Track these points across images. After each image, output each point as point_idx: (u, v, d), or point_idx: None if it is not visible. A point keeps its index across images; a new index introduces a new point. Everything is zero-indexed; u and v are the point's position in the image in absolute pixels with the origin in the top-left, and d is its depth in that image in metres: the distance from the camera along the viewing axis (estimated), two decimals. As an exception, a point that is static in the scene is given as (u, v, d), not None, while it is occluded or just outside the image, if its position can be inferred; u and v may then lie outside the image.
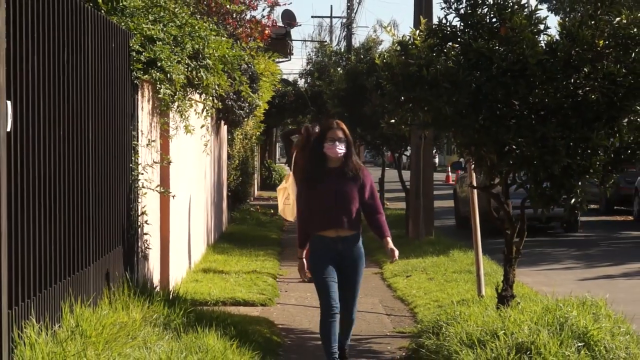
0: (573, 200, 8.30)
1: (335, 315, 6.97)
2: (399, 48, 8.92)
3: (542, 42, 8.25)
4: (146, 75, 8.69)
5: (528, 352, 6.94)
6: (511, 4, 8.38)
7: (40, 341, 5.03)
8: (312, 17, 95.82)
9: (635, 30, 8.07)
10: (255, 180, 30.13)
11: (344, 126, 7.24)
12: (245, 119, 18.14)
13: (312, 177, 7.28)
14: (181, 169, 11.14)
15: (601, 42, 8.06)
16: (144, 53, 8.58)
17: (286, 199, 12.33)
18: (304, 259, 7.33)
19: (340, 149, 7.06)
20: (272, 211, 21.82)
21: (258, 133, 25.44)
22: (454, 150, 18.72)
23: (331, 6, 73.99)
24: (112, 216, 7.48)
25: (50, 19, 5.60)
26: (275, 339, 8.76)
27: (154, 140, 9.38)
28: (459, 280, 11.69)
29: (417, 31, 9.14)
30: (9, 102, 4.78)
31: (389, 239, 7.33)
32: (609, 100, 7.97)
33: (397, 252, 7.30)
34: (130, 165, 8.28)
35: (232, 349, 6.89)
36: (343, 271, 7.13)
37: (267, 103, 22.40)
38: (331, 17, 58.26)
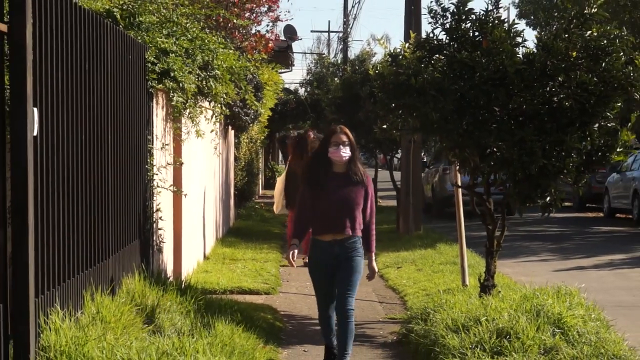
0: (548, 198, 8.32)
1: (330, 324, 6.76)
2: (390, 59, 8.94)
3: (520, 53, 8.26)
4: (160, 85, 8.70)
5: (508, 337, 6.95)
6: (492, 19, 8.40)
7: (64, 326, 5.04)
8: (312, 31, 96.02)
9: (605, 42, 8.08)
10: (260, 180, 30.11)
11: (347, 131, 6.73)
12: (251, 125, 18.14)
13: (316, 181, 6.67)
14: (192, 170, 11.15)
15: (574, 53, 8.07)
16: (158, 64, 8.59)
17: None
18: (294, 245, 6.79)
19: (345, 152, 6.58)
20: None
21: (262, 137, 25.44)
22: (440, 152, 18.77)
23: (329, 21, 74.07)
24: (130, 212, 7.49)
25: (73, 33, 5.61)
26: (277, 324, 8.77)
27: (167, 144, 9.39)
28: (445, 271, 11.71)
29: (407, 44, 9.16)
30: (35, 109, 4.79)
31: (374, 256, 6.97)
32: (581, 106, 7.98)
33: (376, 272, 7.11)
34: (146, 166, 8.29)
35: (238, 333, 6.90)
36: (339, 272, 6.61)
37: (270, 110, 22.40)
38: (329, 31, 58.21)
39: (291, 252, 6.76)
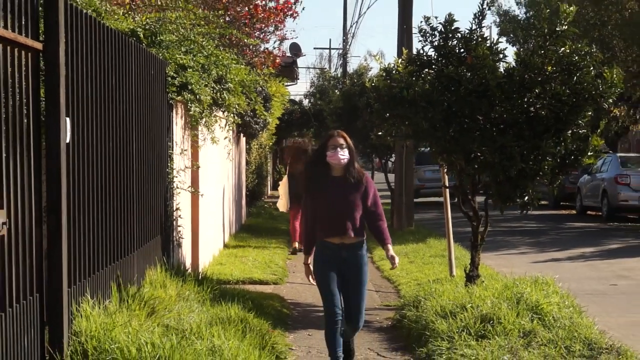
0: (526, 197, 8.32)
1: (338, 322, 5.92)
2: (384, 74, 8.93)
3: (501, 68, 8.26)
4: (179, 97, 8.70)
5: (491, 322, 6.95)
6: (476, 37, 8.40)
7: (94, 314, 5.04)
8: (314, 48, 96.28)
9: (576, 57, 8.08)
10: (268, 182, 30.12)
11: (345, 135, 6.04)
12: (260, 132, 18.15)
13: (315, 185, 6.01)
14: (208, 173, 11.15)
15: (549, 67, 8.07)
16: (177, 78, 8.60)
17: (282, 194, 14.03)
18: (310, 265, 6.11)
19: (343, 155, 5.88)
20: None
21: (271, 143, 25.45)
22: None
23: (330, 40, 74.20)
24: (152, 211, 7.50)
25: (101, 50, 5.62)
26: (285, 311, 8.76)
27: (186, 149, 9.39)
28: (434, 263, 11.70)
29: (400, 60, 9.15)
30: (68, 119, 4.80)
31: (390, 246, 6.14)
32: (555, 115, 7.98)
33: (397, 259, 6.14)
34: (167, 169, 8.29)
35: (250, 319, 6.89)
36: (347, 279, 5.98)
37: (277, 119, 22.40)
38: (330, 48, 58.34)
39: (306, 272, 6.17)
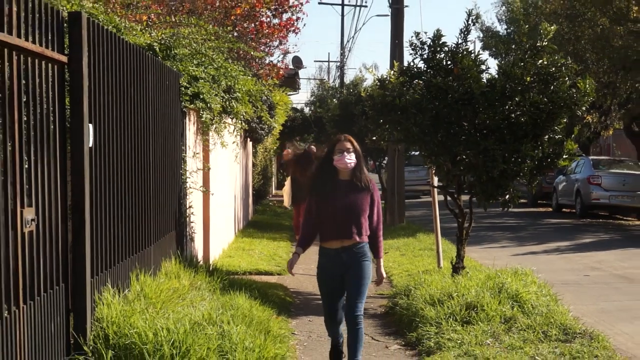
0: (507, 196, 8.34)
1: (338, 324, 5.61)
2: (378, 84, 8.96)
3: (484, 78, 8.29)
4: (192, 105, 8.71)
5: (475, 309, 6.96)
6: (461, 50, 8.42)
7: (114, 302, 5.05)
8: (315, 61, 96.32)
9: (553, 69, 8.10)
10: (273, 182, 30.11)
11: (352, 139, 5.51)
12: (265, 137, 18.16)
13: (322, 188, 5.46)
14: (218, 174, 11.15)
15: (528, 78, 8.09)
16: (190, 88, 8.61)
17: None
18: (297, 254, 5.57)
19: (350, 159, 5.36)
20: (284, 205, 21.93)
21: (275, 147, 25.44)
22: (419, 159, 18.90)
23: (329, 53, 74.33)
24: (167, 209, 7.50)
25: (121, 63, 5.62)
26: (288, 299, 8.76)
27: (198, 153, 9.40)
28: (424, 256, 11.71)
29: (392, 71, 9.17)
30: (90, 125, 4.80)
31: (382, 261, 5.72)
32: (534, 122, 7.99)
33: (384, 277, 5.82)
34: (181, 171, 8.30)
35: (256, 306, 6.90)
36: (347, 278, 5.45)
37: (281, 125, 22.41)
38: (329, 61, 58.63)
39: (290, 261, 5.61)
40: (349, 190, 5.39)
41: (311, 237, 5.56)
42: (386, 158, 19.38)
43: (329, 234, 5.40)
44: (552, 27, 8.39)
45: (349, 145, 5.42)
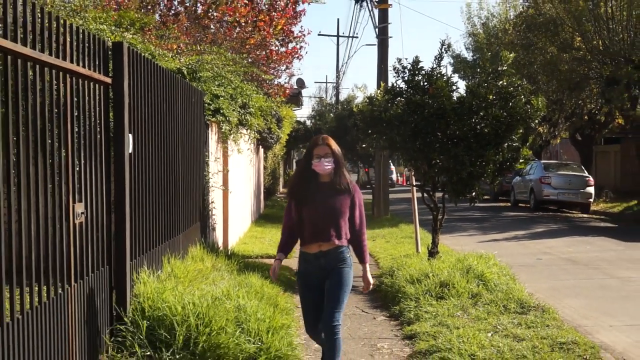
0: (474, 193, 8.33)
1: (319, 335, 4.30)
2: (367, 101, 8.96)
3: (454, 97, 8.28)
4: (214, 118, 8.72)
5: (447, 287, 6.96)
6: (436, 73, 8.41)
7: (150, 281, 5.04)
8: (315, 82, 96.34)
9: (511, 89, 8.11)
10: (280, 182, 30.11)
11: (330, 141, 4.38)
12: (274, 145, 18.18)
13: (302, 193, 4.34)
14: (235, 175, 11.15)
15: (491, 96, 8.09)
16: (212, 105, 8.62)
17: None
18: (280, 260, 4.46)
19: (327, 164, 4.28)
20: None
21: (282, 153, 25.44)
22: (401, 163, 18.99)
23: (326, 75, 74.55)
24: (193, 204, 7.50)
25: (154, 83, 5.62)
26: (293, 279, 8.73)
27: (218, 157, 9.40)
28: (405, 243, 11.71)
29: (379, 90, 9.18)
30: (130, 135, 4.79)
31: (367, 266, 4.45)
32: (495, 132, 7.99)
33: (371, 282, 4.47)
34: (204, 172, 8.30)
35: (266, 285, 6.89)
36: (328, 282, 4.27)
37: (287, 135, 22.41)
38: (326, 82, 58.72)
39: (272, 268, 4.50)
40: (329, 193, 4.31)
41: (292, 241, 4.47)
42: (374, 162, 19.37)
43: (308, 238, 4.29)
44: (511, 55, 8.44)
45: (326, 149, 4.32)
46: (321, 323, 4.21)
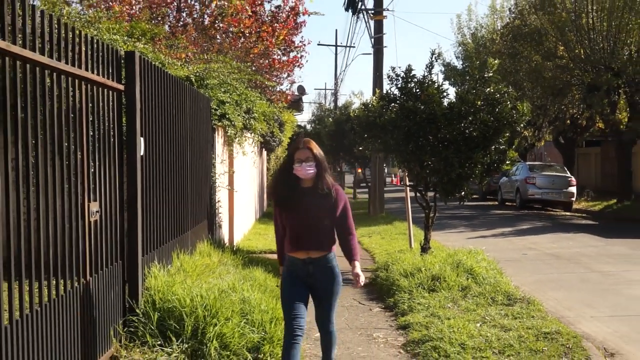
0: (463, 193, 8.34)
1: (297, 338, 3.72)
2: (363, 107, 8.98)
3: (445, 102, 8.29)
4: (220, 123, 8.71)
5: (438, 280, 6.96)
6: (427, 81, 8.42)
7: (160, 275, 5.04)
8: (315, 89, 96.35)
9: (498, 95, 8.12)
10: (282, 182, 30.10)
11: (312, 145, 3.96)
12: (276, 147, 18.17)
13: (283, 198, 3.91)
14: (240, 176, 11.15)
15: (479, 102, 8.09)
16: (218, 110, 8.62)
17: None
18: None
19: (309, 169, 3.85)
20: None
21: (284, 155, 25.44)
22: (395, 164, 19.04)
23: (325, 83, 74.56)
24: (201, 203, 7.50)
25: (164, 90, 5.62)
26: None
27: (224, 159, 9.41)
28: (399, 239, 11.71)
29: (374, 97, 9.19)
30: (142, 138, 4.79)
31: (357, 263, 3.91)
32: (483, 135, 8.00)
33: (362, 278, 3.89)
34: (211, 173, 8.30)
35: (269, 278, 6.88)
36: (316, 292, 3.91)
37: (288, 138, 22.41)
38: (325, 89, 59.08)
39: (282, 285, 3.95)
40: (312, 198, 3.86)
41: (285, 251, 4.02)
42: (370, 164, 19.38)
43: (295, 244, 3.87)
44: (496, 62, 8.45)
45: (307, 153, 3.89)
46: (319, 326, 4.01)
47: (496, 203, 22.89)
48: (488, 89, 8.15)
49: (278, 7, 17.23)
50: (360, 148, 9.76)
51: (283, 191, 3.93)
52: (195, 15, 15.55)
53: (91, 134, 3.98)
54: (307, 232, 3.84)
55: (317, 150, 3.95)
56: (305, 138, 4.04)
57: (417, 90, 8.37)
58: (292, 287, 3.85)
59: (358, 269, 3.90)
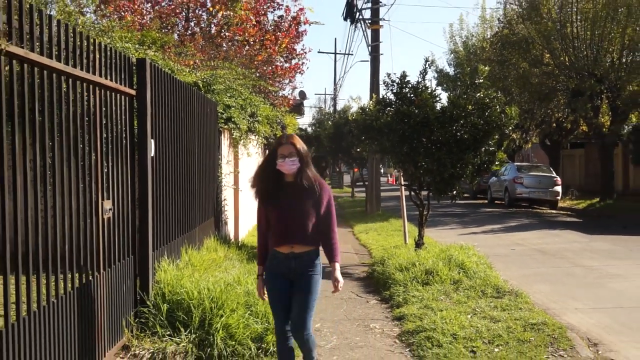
0: (455, 192, 8.34)
1: (289, 340, 3.57)
2: (361, 110, 8.97)
3: (437, 107, 8.29)
4: (226, 126, 8.72)
5: (432, 274, 6.95)
6: (421, 86, 8.42)
7: (169, 269, 5.04)
8: (315, 94, 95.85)
9: (487, 100, 8.11)
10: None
11: (295, 140, 3.63)
12: (279, 149, 18.16)
13: (266, 193, 3.63)
14: (245, 176, 11.15)
15: (469, 106, 8.09)
16: (224, 114, 8.62)
17: None
18: (262, 276, 3.70)
19: (292, 164, 3.55)
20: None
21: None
22: (390, 165, 19.06)
23: (325, 88, 74.63)
24: (208, 201, 7.50)
25: (173, 95, 5.62)
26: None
27: (230, 160, 9.41)
28: (394, 235, 11.70)
29: (371, 101, 9.18)
30: (152, 140, 4.80)
31: (337, 265, 3.57)
32: (474, 138, 8.00)
33: (340, 283, 3.55)
34: (217, 173, 8.30)
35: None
36: (296, 287, 3.57)
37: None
38: (325, 94, 59.04)
39: (258, 287, 3.76)
40: (295, 193, 3.58)
41: (267, 248, 3.69)
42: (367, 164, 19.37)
43: (278, 239, 3.57)
44: (486, 68, 8.46)
45: (291, 149, 3.58)
46: (292, 332, 3.56)
47: (486, 201, 22.87)
48: (478, 94, 8.16)
49: (281, 17, 17.25)
50: (358, 149, 9.78)
51: (267, 186, 3.64)
52: (202, 25, 15.55)
53: (105, 136, 3.99)
54: (291, 226, 3.54)
55: (300, 145, 3.64)
56: (289, 133, 3.78)
57: (412, 95, 8.37)
58: (275, 288, 3.58)
59: (338, 273, 3.56)
